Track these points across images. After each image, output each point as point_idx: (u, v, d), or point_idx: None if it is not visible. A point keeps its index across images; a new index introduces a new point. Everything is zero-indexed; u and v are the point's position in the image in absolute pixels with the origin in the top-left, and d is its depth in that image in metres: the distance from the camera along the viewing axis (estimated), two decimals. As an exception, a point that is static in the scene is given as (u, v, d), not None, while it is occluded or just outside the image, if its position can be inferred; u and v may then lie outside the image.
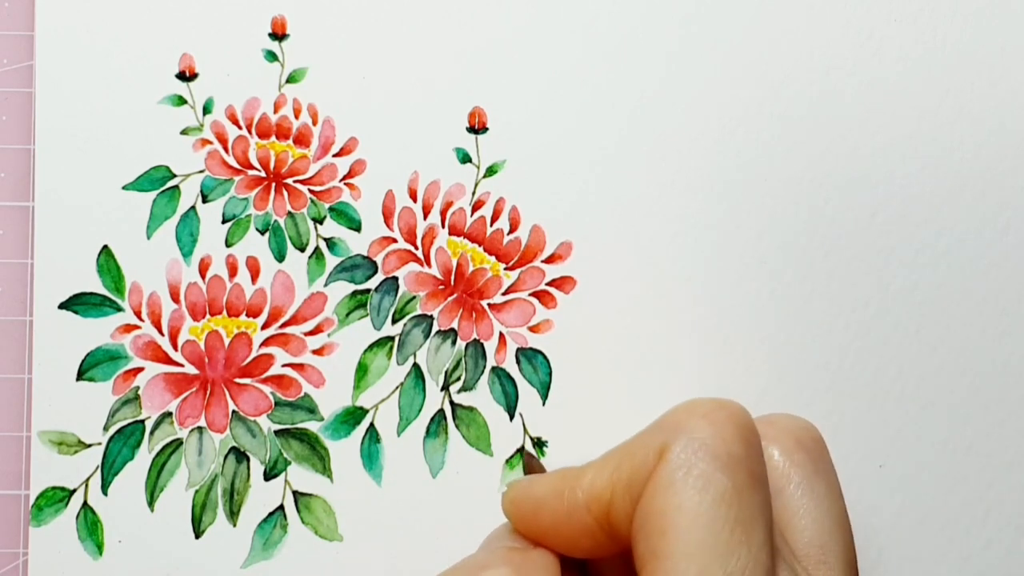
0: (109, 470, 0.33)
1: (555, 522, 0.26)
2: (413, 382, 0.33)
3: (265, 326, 0.34)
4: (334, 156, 0.34)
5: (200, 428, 0.33)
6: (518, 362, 0.34)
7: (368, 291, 0.34)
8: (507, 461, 0.33)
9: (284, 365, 0.33)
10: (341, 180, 0.34)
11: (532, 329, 0.34)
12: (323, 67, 0.34)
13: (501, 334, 0.34)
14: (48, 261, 0.33)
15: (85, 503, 0.33)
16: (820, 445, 0.28)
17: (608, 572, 0.28)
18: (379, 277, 0.34)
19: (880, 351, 0.34)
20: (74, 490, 0.33)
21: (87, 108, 0.34)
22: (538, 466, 0.32)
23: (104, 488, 0.33)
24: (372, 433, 0.33)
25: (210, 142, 0.34)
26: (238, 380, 0.33)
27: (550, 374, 0.34)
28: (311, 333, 0.34)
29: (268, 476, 0.33)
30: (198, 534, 0.33)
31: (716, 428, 0.25)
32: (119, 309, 0.33)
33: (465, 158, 0.34)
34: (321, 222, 0.34)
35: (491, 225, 0.34)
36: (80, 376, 0.33)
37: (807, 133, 0.34)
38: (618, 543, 0.26)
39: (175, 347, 0.33)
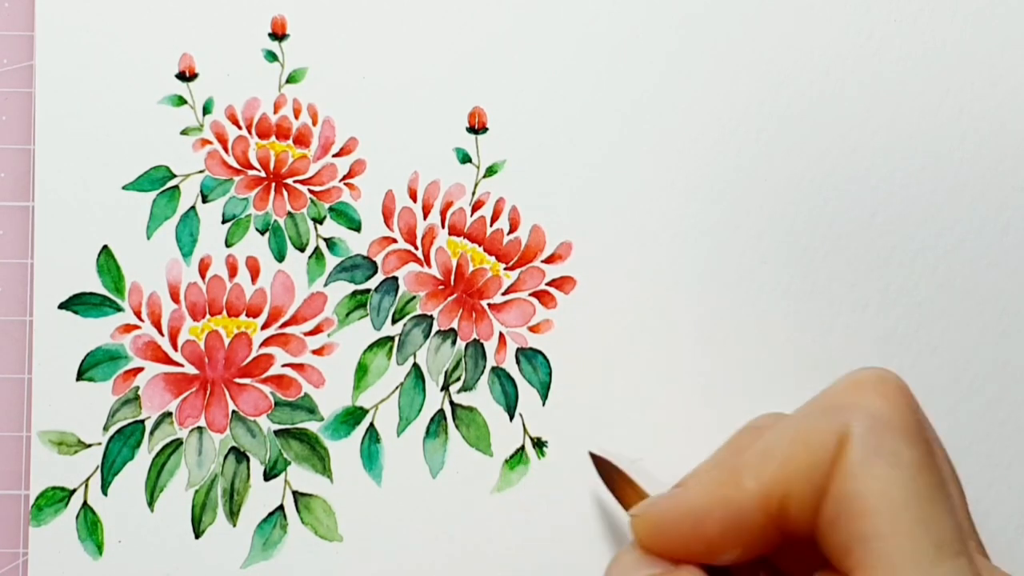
0: (109, 470, 0.33)
1: (723, 530, 0.26)
2: (413, 382, 0.33)
3: (265, 326, 0.34)
4: (334, 156, 0.34)
5: (200, 428, 0.33)
6: (518, 362, 0.34)
7: (368, 291, 0.34)
8: (506, 461, 0.33)
9: (284, 365, 0.33)
10: (341, 180, 0.34)
11: (532, 329, 0.34)
12: (323, 67, 0.34)
13: (501, 334, 0.34)
14: (48, 261, 0.33)
15: (85, 503, 0.33)
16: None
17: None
18: (379, 277, 0.34)
19: (880, 351, 0.33)
20: (74, 490, 0.33)
21: (87, 108, 0.34)
22: (610, 467, 0.31)
23: (104, 488, 0.33)
24: (372, 433, 0.33)
25: (210, 142, 0.34)
26: (238, 380, 0.33)
27: (550, 374, 0.33)
28: (311, 333, 0.34)
29: (268, 476, 0.33)
30: (198, 534, 0.33)
31: (890, 401, 0.24)
32: (119, 309, 0.33)
33: (465, 158, 0.34)
34: (321, 222, 0.34)
35: (491, 225, 0.34)
36: (80, 376, 0.33)
37: (807, 133, 0.34)
38: (788, 538, 0.25)
39: (175, 347, 0.33)
